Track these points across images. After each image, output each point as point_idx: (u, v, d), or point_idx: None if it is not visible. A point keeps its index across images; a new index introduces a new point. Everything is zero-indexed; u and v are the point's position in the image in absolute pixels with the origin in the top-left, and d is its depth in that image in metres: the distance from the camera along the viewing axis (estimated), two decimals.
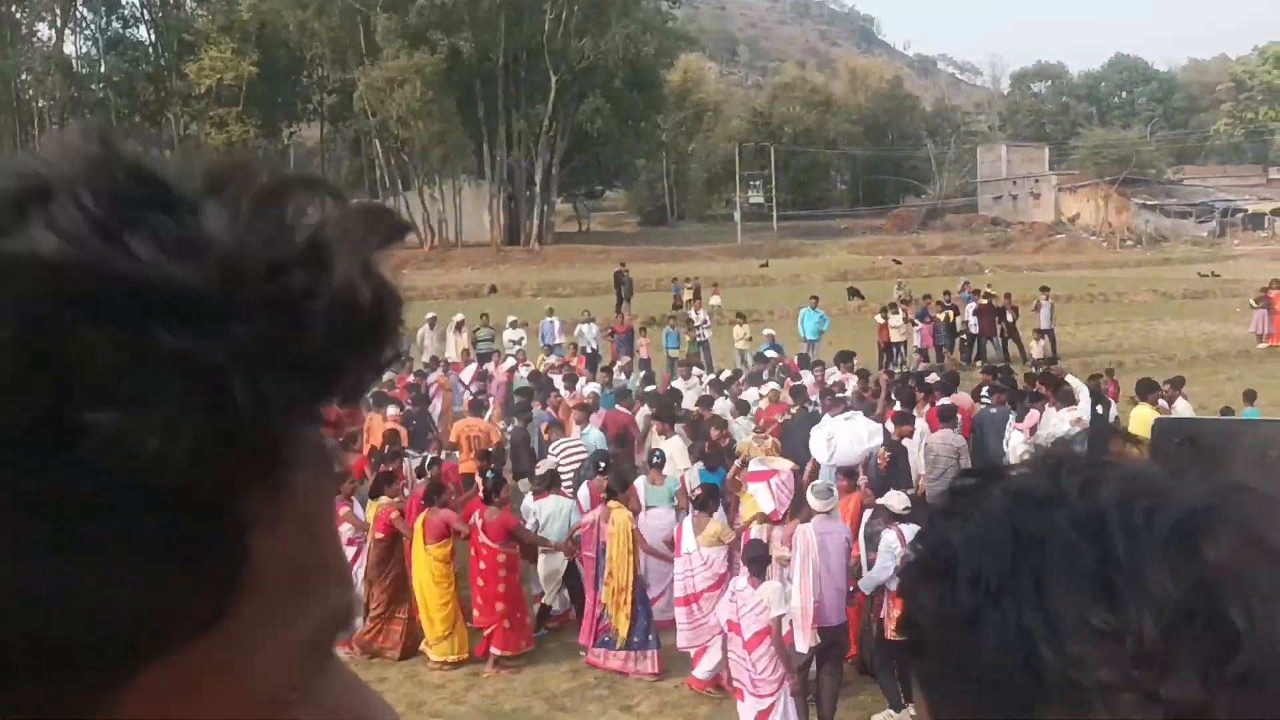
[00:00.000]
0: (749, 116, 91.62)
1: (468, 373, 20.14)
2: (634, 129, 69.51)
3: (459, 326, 24.86)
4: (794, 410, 13.81)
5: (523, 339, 23.92)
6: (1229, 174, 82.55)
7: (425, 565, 10.46)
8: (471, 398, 16.90)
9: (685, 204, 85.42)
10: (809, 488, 9.21)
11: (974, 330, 25.97)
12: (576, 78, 61.24)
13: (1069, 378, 16.45)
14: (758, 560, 8.65)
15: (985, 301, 26.49)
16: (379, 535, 10.68)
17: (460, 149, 58.80)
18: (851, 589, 9.14)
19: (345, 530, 10.74)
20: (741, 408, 14.64)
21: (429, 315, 25.46)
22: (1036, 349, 24.47)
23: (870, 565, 9.10)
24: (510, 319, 25.48)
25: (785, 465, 11.09)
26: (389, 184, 62.69)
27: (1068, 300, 37.94)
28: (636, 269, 48.54)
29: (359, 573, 10.74)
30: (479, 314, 27.01)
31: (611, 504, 10.30)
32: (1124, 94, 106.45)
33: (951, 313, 26.46)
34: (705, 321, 25.98)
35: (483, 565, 10.31)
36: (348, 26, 58.24)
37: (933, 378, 17.22)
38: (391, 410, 14.88)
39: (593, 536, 10.33)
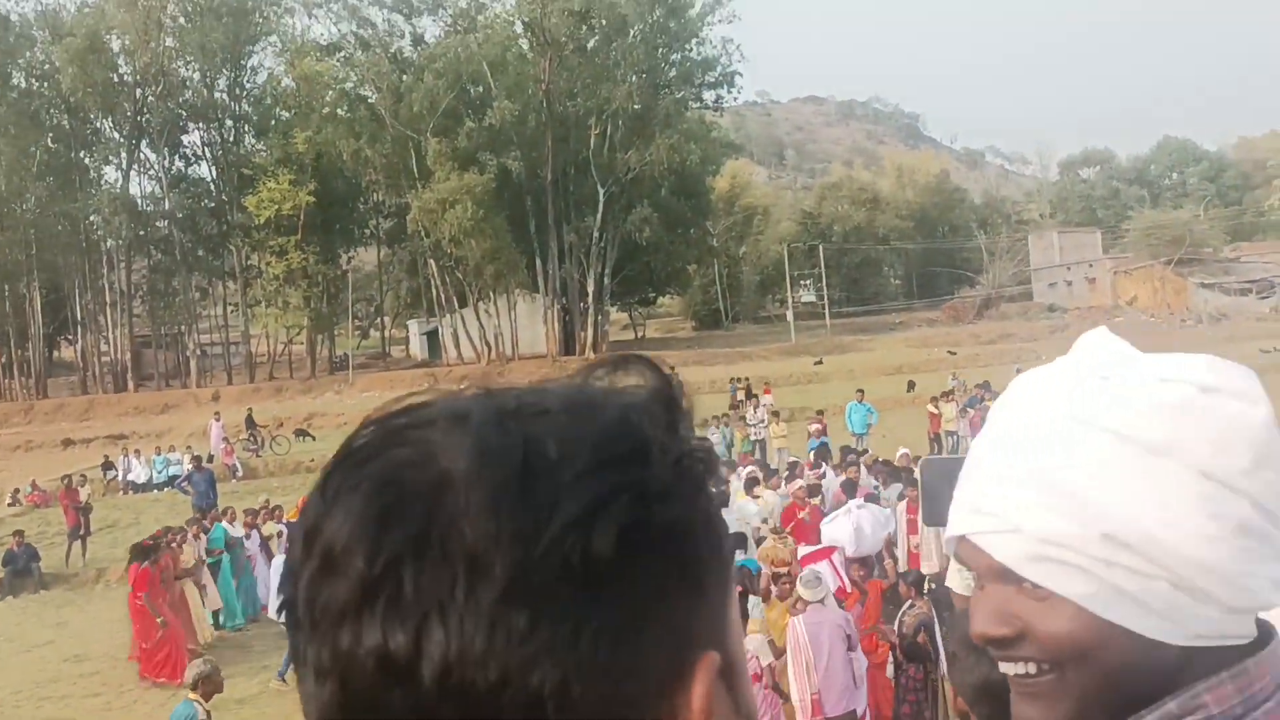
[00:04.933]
0: (798, 218, 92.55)
1: None
2: (683, 236, 70.48)
3: None
4: (812, 504, 13.72)
5: None
6: None
7: None
8: None
9: (739, 306, 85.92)
10: (798, 579, 9.12)
11: None
12: (624, 189, 62.39)
13: None
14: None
15: None
16: None
17: (513, 264, 59.84)
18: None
19: None
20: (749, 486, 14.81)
21: None
22: None
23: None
24: None
25: (836, 544, 11.04)
26: (445, 302, 63.88)
27: None
28: (692, 372, 48.79)
29: None
30: None
31: None
32: (1174, 175, 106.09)
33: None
34: (761, 420, 25.95)
35: None
36: (400, 152, 60.04)
37: None
38: None
39: None
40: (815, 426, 23.75)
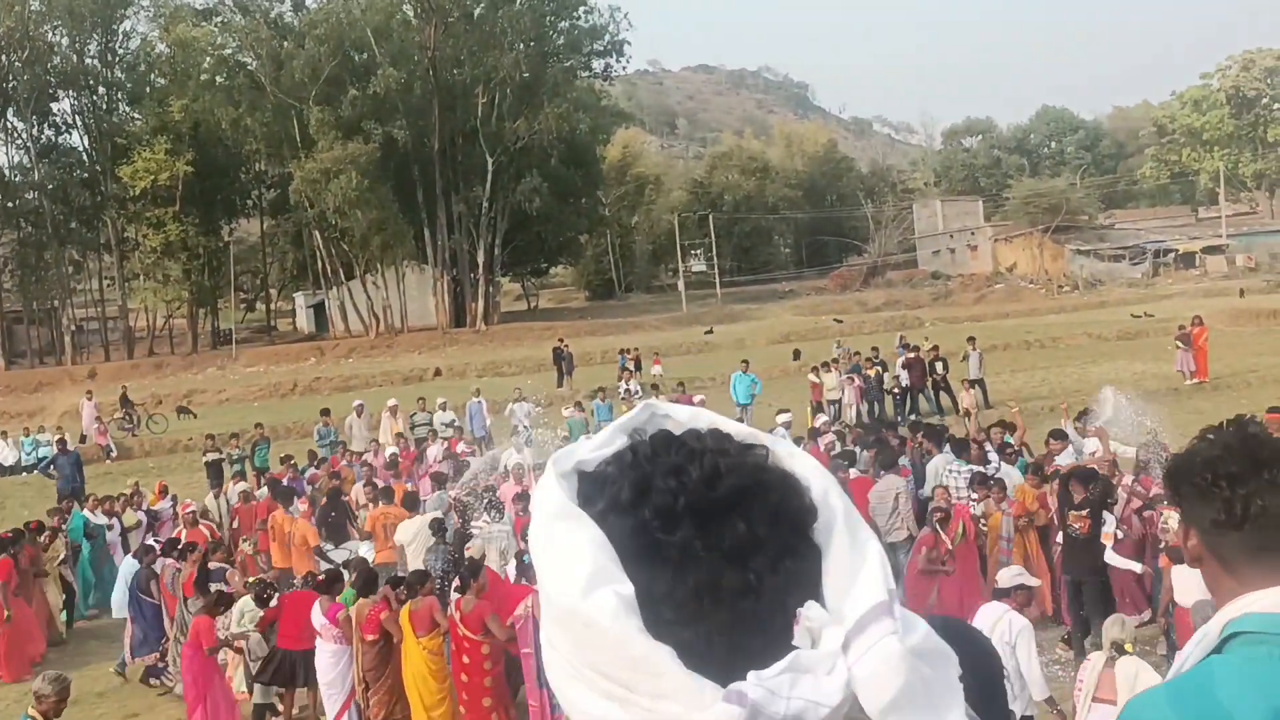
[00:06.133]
0: (689, 187, 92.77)
1: (380, 459, 19.90)
2: (574, 205, 70.11)
3: (394, 411, 24.71)
4: None
5: (454, 421, 23.79)
6: (1159, 216, 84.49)
7: (420, 659, 9.81)
8: (371, 487, 16.43)
9: (632, 276, 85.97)
10: None
11: (905, 384, 26.16)
12: (513, 159, 61.82)
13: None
14: None
15: (914, 355, 26.71)
16: (370, 637, 9.97)
17: (400, 235, 58.96)
18: None
19: (334, 631, 10.22)
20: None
21: (355, 403, 25.32)
22: (968, 399, 24.61)
23: None
24: (440, 401, 25.31)
25: None
26: (331, 274, 62.72)
27: (1004, 348, 38.42)
28: (583, 343, 48.69)
29: (349, 676, 10.19)
30: (415, 398, 26.85)
31: None
32: (1053, 144, 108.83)
33: (880, 368, 26.64)
34: (637, 392, 25.98)
35: (465, 659, 9.68)
36: (281, 121, 58.56)
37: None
38: (302, 507, 14.68)
39: (527, 630, 9.69)
40: (699, 399, 23.88)
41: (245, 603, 11.50)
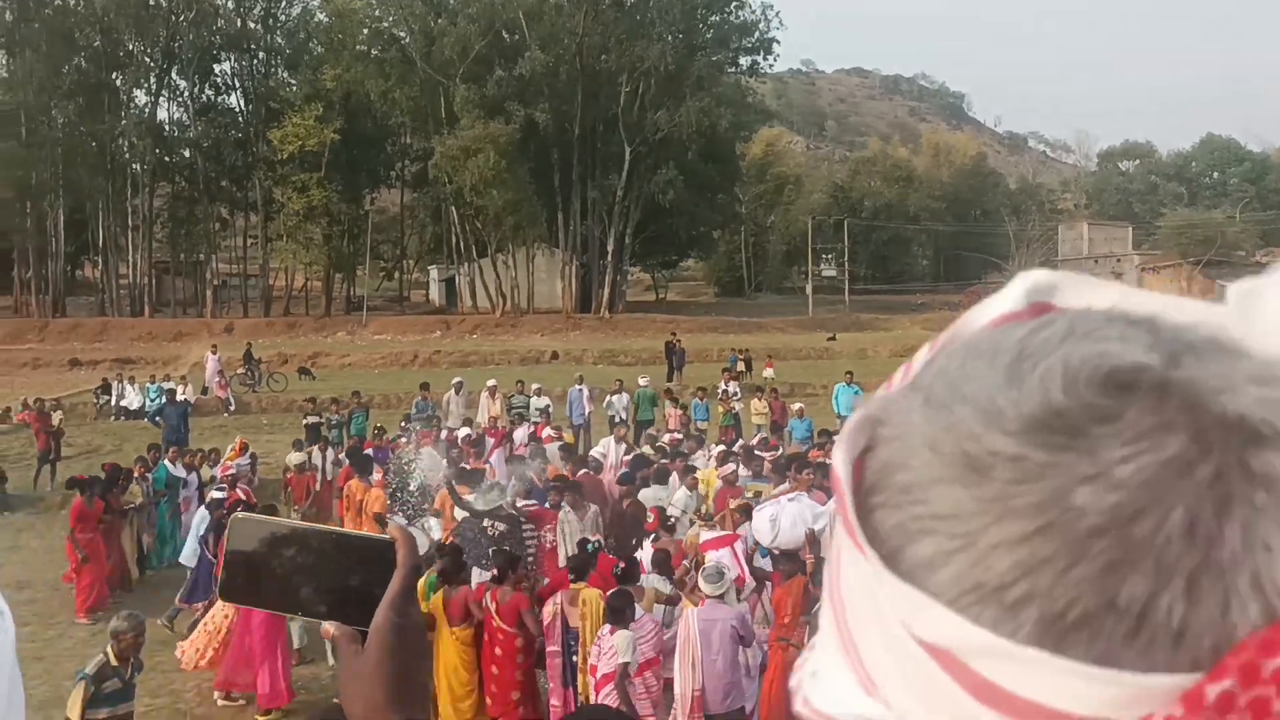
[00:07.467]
0: (830, 190, 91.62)
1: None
2: (709, 200, 69.80)
3: (492, 392, 24.82)
4: (749, 496, 13.11)
5: (548, 407, 23.73)
6: None
7: (452, 649, 9.66)
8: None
9: (763, 275, 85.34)
10: (700, 571, 8.91)
11: None
12: (651, 149, 61.84)
13: None
14: (617, 610, 8.69)
15: None
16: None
17: (533, 217, 59.51)
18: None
19: None
20: (660, 476, 14.44)
21: (455, 380, 25.45)
22: None
23: None
24: (535, 386, 25.29)
25: (758, 534, 10.81)
26: (464, 250, 63.68)
27: None
28: (704, 339, 48.38)
29: None
30: (515, 381, 26.91)
31: (577, 586, 9.69)
32: (1215, 174, 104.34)
33: None
34: (735, 393, 25.60)
35: (498, 650, 9.57)
36: (428, 96, 59.72)
37: None
38: (377, 476, 14.78)
39: (555, 628, 9.63)
40: (797, 406, 23.45)
41: None
